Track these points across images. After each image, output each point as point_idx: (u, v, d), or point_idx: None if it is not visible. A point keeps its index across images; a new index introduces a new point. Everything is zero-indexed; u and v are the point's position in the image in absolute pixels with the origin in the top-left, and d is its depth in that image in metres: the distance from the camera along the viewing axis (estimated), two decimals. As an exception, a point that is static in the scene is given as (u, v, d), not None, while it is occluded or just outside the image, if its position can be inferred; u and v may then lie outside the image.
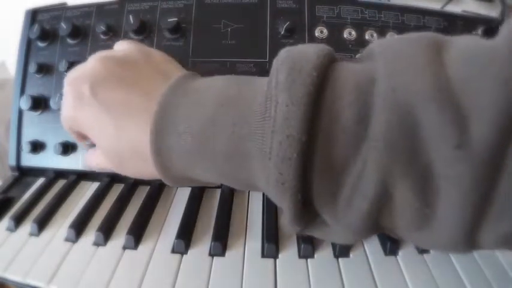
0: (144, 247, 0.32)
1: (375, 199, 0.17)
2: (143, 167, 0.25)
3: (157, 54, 0.30)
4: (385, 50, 0.18)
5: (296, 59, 0.18)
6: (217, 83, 0.23)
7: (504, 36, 0.15)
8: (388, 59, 0.17)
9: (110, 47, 0.41)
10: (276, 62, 0.20)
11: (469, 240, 0.17)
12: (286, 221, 0.21)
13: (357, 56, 0.22)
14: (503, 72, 0.14)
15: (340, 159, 0.17)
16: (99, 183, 0.41)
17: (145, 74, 0.26)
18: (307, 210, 0.20)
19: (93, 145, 0.30)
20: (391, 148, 0.16)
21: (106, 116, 0.24)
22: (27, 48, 0.43)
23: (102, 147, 0.26)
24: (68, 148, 0.40)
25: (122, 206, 0.37)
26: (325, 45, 0.20)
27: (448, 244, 0.18)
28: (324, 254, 0.31)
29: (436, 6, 0.60)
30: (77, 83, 0.26)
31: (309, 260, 0.31)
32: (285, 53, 0.20)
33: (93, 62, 0.27)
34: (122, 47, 0.31)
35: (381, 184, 0.16)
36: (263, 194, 0.38)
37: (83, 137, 0.30)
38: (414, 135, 0.16)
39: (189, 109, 0.22)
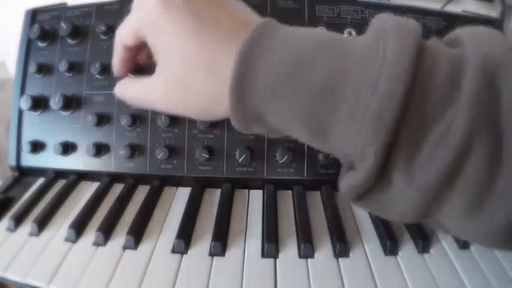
0: (144, 247, 0.32)
1: (457, 153, 0.18)
2: (213, 92, 0.23)
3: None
4: (471, 32, 0.21)
5: (400, 19, 0.21)
6: (312, 29, 0.23)
7: None
8: (476, 38, 0.20)
9: (110, 47, 0.41)
10: (378, 18, 0.21)
11: None
12: (355, 180, 0.21)
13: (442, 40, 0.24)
14: None
15: (431, 113, 0.18)
16: (99, 183, 0.41)
17: (236, 5, 0.26)
18: (381, 171, 0.20)
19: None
20: (478, 108, 0.17)
21: (192, 23, 0.23)
22: (27, 48, 0.43)
23: (172, 57, 0.24)
24: (68, 148, 0.40)
25: (122, 206, 0.37)
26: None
27: (498, 232, 0.18)
28: (324, 254, 0.31)
29: (436, 6, 0.60)
30: None
31: (309, 260, 0.31)
32: (385, 14, 0.22)
33: None
34: None
35: (463, 142, 0.17)
36: (263, 194, 0.39)
37: (130, 59, 0.30)
38: (496, 100, 0.17)
39: (285, 40, 0.21)
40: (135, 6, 0.27)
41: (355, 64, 0.19)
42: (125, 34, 0.28)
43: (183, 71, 0.24)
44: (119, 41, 0.29)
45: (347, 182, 0.22)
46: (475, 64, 0.18)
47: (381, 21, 0.21)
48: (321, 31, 0.22)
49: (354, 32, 0.40)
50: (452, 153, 0.18)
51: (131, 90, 0.29)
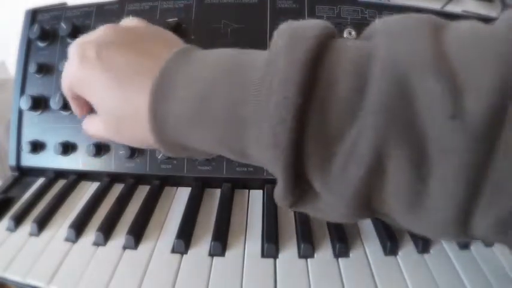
0: (144, 247, 0.32)
1: (369, 167, 0.17)
2: (140, 132, 0.24)
3: (165, 30, 0.30)
4: (386, 25, 0.19)
5: (297, 28, 0.19)
6: (220, 53, 0.23)
7: (503, 19, 0.16)
8: (388, 32, 0.18)
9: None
10: (277, 32, 0.20)
11: (461, 222, 0.17)
12: (278, 193, 0.21)
13: (360, 36, 0.22)
14: (501, 49, 0.15)
15: (335, 125, 0.17)
16: (99, 183, 0.41)
17: (152, 42, 0.26)
18: (300, 180, 0.19)
19: (89, 112, 0.31)
20: (387, 117, 0.16)
21: (109, 77, 0.24)
22: (27, 48, 0.43)
23: (101, 110, 0.26)
24: (68, 148, 0.40)
25: (122, 206, 0.37)
26: (328, 22, 0.20)
27: (439, 226, 0.18)
28: (324, 254, 0.31)
29: (436, 6, 0.60)
30: (83, 45, 0.26)
31: (309, 260, 0.31)
32: (285, 25, 0.20)
33: (102, 28, 0.27)
34: (130, 21, 0.31)
35: (376, 152, 0.16)
36: (263, 194, 0.39)
37: (81, 104, 0.30)
38: (410, 104, 0.16)
39: (190, 75, 0.22)
40: (66, 65, 0.29)
41: (250, 90, 0.19)
42: (64, 89, 0.30)
43: (114, 122, 0.26)
44: (65, 90, 0.31)
45: (276, 192, 0.22)
46: (382, 64, 0.16)
47: (277, 34, 0.20)
48: (230, 54, 0.22)
49: (353, 32, 0.40)
50: (364, 166, 0.17)
51: (92, 128, 0.30)
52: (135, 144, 0.27)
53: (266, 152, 0.19)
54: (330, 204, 0.20)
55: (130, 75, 0.24)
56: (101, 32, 0.27)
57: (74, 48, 0.26)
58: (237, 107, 0.19)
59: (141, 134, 0.25)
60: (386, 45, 0.17)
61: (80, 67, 0.25)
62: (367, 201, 0.19)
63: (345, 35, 0.39)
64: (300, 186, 0.20)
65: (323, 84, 0.17)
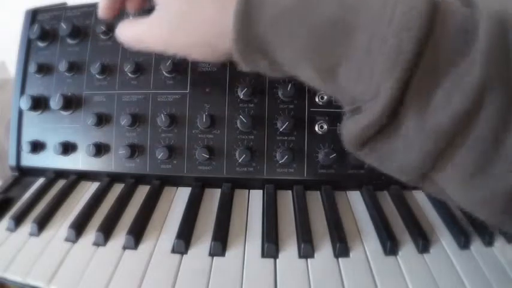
0: (144, 247, 0.32)
1: (472, 101, 0.17)
2: (217, 23, 0.22)
3: None
4: None
5: None
6: None
7: None
8: None
9: (110, 47, 0.41)
10: None
11: None
12: (356, 126, 0.20)
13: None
14: None
15: (447, 56, 0.18)
16: (99, 183, 0.41)
17: None
18: (394, 109, 0.19)
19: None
20: (491, 58, 0.17)
21: None
22: (27, 48, 0.43)
23: None
24: (68, 148, 0.40)
25: (122, 206, 0.37)
26: None
27: (496, 198, 0.18)
28: (324, 254, 0.31)
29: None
30: None
31: (309, 260, 0.31)
32: None
33: None
34: None
35: (480, 88, 0.17)
36: (263, 194, 0.39)
37: None
38: (508, 56, 0.17)
39: None
40: None
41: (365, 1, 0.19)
42: None
43: (183, 10, 0.23)
44: None
45: (353, 126, 0.21)
46: (488, 19, 0.18)
47: None
48: None
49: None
50: (468, 100, 0.17)
51: (129, 30, 0.28)
52: (199, 45, 0.25)
53: (378, 61, 0.18)
54: (408, 143, 0.19)
55: None
56: None
57: None
58: (351, 11, 0.19)
59: (218, 23, 0.22)
60: (487, 7, 0.18)
61: None
62: (443, 153, 0.19)
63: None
64: (396, 112, 0.19)
65: (441, 16, 0.18)
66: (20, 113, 0.42)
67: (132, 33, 0.28)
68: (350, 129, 0.21)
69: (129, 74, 0.40)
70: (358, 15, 0.19)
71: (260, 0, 0.20)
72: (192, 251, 0.32)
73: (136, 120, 0.39)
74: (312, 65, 0.21)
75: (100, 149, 0.40)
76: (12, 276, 0.30)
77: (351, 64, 0.19)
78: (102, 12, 0.31)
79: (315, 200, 0.38)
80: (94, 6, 0.43)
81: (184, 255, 0.32)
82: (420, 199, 0.39)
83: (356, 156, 0.24)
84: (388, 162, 0.21)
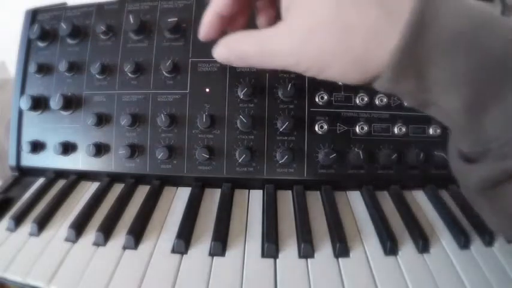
0: (144, 247, 0.32)
1: None
2: (374, 30, 0.19)
3: None
4: None
5: None
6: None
7: None
8: None
9: (110, 47, 0.41)
10: None
11: None
12: (487, 172, 0.20)
13: None
14: None
15: None
16: (99, 183, 0.41)
17: None
18: None
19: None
20: None
21: None
22: (27, 48, 0.43)
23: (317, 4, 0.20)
24: (68, 148, 0.40)
25: (122, 206, 0.37)
26: None
27: None
28: (324, 254, 0.31)
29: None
30: None
31: (309, 260, 0.31)
32: None
33: None
34: None
35: None
36: (263, 194, 0.39)
37: (230, 12, 0.26)
38: None
39: None
40: None
41: None
42: None
43: (334, 5, 0.20)
44: None
45: (486, 172, 0.20)
46: None
47: None
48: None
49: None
50: None
51: (248, 43, 0.24)
52: (344, 60, 0.21)
53: None
54: None
55: None
56: None
57: None
58: None
59: (376, 31, 0.19)
60: None
61: None
62: None
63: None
64: None
65: None
66: (20, 113, 0.42)
67: (248, 47, 0.24)
68: (486, 171, 0.20)
69: (129, 74, 0.40)
70: None
71: (435, 14, 0.19)
72: (192, 251, 0.32)
73: (136, 120, 0.39)
74: (465, 92, 0.19)
75: (100, 149, 0.40)
76: (12, 276, 0.30)
77: (505, 108, 0.18)
78: (204, 32, 0.28)
79: (315, 200, 0.38)
80: (94, 6, 0.43)
81: (184, 255, 0.32)
82: (420, 199, 0.39)
83: (470, 200, 0.24)
84: (503, 209, 0.21)
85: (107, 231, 0.34)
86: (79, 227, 0.34)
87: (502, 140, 0.19)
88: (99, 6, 0.43)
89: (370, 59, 0.20)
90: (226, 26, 0.28)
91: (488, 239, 0.33)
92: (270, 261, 0.31)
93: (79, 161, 0.41)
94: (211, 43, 0.41)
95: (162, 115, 0.38)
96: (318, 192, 0.39)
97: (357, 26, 0.20)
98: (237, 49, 0.25)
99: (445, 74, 0.19)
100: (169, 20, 0.38)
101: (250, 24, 0.30)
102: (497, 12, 0.40)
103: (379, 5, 0.19)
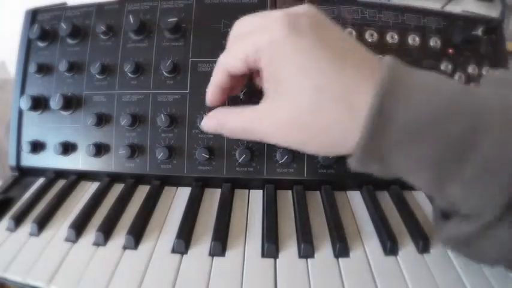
0: (144, 247, 0.32)
1: None
2: (339, 123, 0.22)
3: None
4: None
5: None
6: (440, 77, 0.22)
7: None
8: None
9: (110, 47, 0.41)
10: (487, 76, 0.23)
11: None
12: (455, 232, 0.24)
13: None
14: None
15: None
16: (99, 183, 0.41)
17: (354, 41, 0.25)
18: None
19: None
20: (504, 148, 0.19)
21: (322, 51, 0.22)
22: (27, 48, 0.43)
23: (295, 88, 0.23)
24: (68, 148, 0.40)
25: (122, 206, 0.37)
26: None
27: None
28: (324, 254, 0.31)
29: (436, 6, 0.60)
30: (294, 14, 0.24)
31: (309, 260, 0.31)
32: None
33: (305, 7, 0.25)
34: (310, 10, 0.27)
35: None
36: (263, 194, 0.39)
37: (227, 87, 0.29)
38: None
39: (422, 87, 0.21)
40: (250, 31, 0.26)
41: (490, 121, 0.20)
42: (233, 59, 0.26)
43: (313, 102, 0.22)
44: (222, 66, 0.28)
45: (451, 231, 0.24)
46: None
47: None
48: (446, 79, 0.22)
49: (354, 32, 0.40)
50: None
51: (233, 120, 0.28)
52: (318, 146, 0.24)
53: (493, 183, 0.20)
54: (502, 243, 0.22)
55: (345, 57, 0.22)
56: (306, 8, 0.25)
57: (281, 15, 0.24)
58: (474, 132, 0.20)
59: (342, 130, 0.22)
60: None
61: (287, 35, 0.23)
62: None
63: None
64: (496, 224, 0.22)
65: None
66: (20, 113, 0.42)
67: (234, 124, 0.27)
68: (449, 233, 0.25)
69: (129, 74, 0.40)
70: (483, 137, 0.20)
71: (390, 115, 0.20)
72: (192, 251, 0.32)
73: (136, 120, 0.39)
74: (426, 176, 0.22)
75: (100, 149, 0.40)
76: (12, 276, 0.30)
77: (462, 182, 0.21)
78: (209, 101, 0.32)
79: (315, 200, 0.38)
80: (94, 6, 0.43)
81: (184, 255, 0.32)
82: (420, 199, 0.39)
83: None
84: (478, 256, 0.25)
85: (107, 231, 0.34)
86: (79, 227, 0.34)
87: (464, 204, 0.22)
88: (99, 6, 0.43)
89: (339, 149, 0.23)
90: (228, 93, 0.31)
91: (488, 239, 0.33)
92: (270, 261, 0.31)
93: (79, 161, 0.41)
94: (211, 44, 0.41)
95: (162, 115, 0.38)
96: (318, 192, 0.39)
97: (326, 125, 0.23)
98: (227, 125, 0.28)
99: (404, 162, 0.22)
100: (169, 20, 0.38)
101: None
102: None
103: (344, 105, 0.22)
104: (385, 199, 0.38)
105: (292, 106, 0.23)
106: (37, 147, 0.41)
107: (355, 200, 0.38)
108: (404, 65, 0.22)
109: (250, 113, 0.26)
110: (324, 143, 0.24)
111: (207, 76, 0.39)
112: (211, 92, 0.31)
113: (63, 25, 0.40)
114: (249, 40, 0.25)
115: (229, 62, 0.27)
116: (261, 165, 0.38)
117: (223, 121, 0.29)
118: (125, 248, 0.32)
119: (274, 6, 0.40)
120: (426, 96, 0.20)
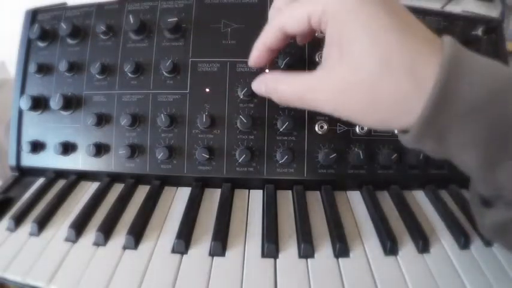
0: (144, 247, 0.32)
1: None
2: (403, 94, 0.22)
3: None
4: None
5: None
6: (496, 62, 0.22)
7: None
8: None
9: (110, 47, 0.41)
10: None
11: None
12: (501, 217, 0.23)
13: None
14: None
15: None
16: (99, 183, 0.41)
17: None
18: None
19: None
20: None
21: (392, 21, 0.22)
22: (27, 48, 0.43)
23: (361, 52, 0.23)
24: (68, 148, 0.40)
25: (122, 206, 0.37)
26: None
27: None
28: (324, 254, 0.31)
29: (436, 6, 0.60)
30: None
31: (309, 260, 0.31)
32: None
33: None
34: None
35: None
36: (263, 194, 0.39)
37: (281, 45, 0.29)
38: None
39: (483, 65, 0.21)
40: None
41: None
42: (294, 19, 0.26)
43: (378, 69, 0.22)
44: (279, 25, 0.27)
45: (496, 217, 0.24)
46: None
47: None
48: (502, 65, 0.22)
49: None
50: None
51: (286, 87, 0.27)
52: (376, 116, 0.24)
53: None
54: None
55: (413, 30, 0.23)
56: None
57: None
58: None
59: (406, 99, 0.22)
60: None
61: (359, 2, 0.23)
62: None
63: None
64: None
65: None
66: (20, 113, 0.42)
67: (289, 88, 0.27)
68: (495, 216, 0.24)
69: (129, 74, 0.40)
70: None
71: (456, 88, 0.21)
72: (192, 251, 0.32)
73: (137, 120, 0.39)
74: (480, 155, 0.22)
75: (100, 149, 0.40)
76: (12, 276, 0.30)
77: None
78: (254, 62, 0.31)
79: (315, 200, 0.38)
80: (94, 6, 0.43)
81: (184, 255, 0.32)
82: (420, 199, 0.39)
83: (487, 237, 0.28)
84: None
85: (107, 231, 0.34)
86: (79, 227, 0.34)
87: (505, 191, 0.22)
88: (99, 6, 0.43)
89: (394, 122, 0.23)
90: (275, 55, 0.31)
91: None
92: (270, 261, 0.31)
93: (79, 161, 0.41)
94: (211, 44, 0.41)
95: (162, 115, 0.38)
96: (318, 192, 0.39)
97: (388, 95, 0.22)
98: (276, 91, 0.28)
99: (461, 139, 0.22)
100: (169, 20, 0.38)
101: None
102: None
103: (409, 75, 0.22)
104: (385, 199, 0.38)
105: (356, 71, 0.23)
106: (37, 147, 0.41)
107: (355, 200, 0.38)
108: (462, 46, 0.22)
109: (306, 79, 0.26)
110: (380, 115, 0.24)
111: (207, 76, 0.39)
112: (259, 52, 0.30)
113: (63, 25, 0.40)
114: (317, 2, 0.24)
115: (288, 21, 0.26)
116: (261, 165, 0.38)
117: (275, 87, 0.28)
118: (124, 248, 0.32)
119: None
120: (486, 76, 0.21)
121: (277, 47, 0.30)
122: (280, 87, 0.28)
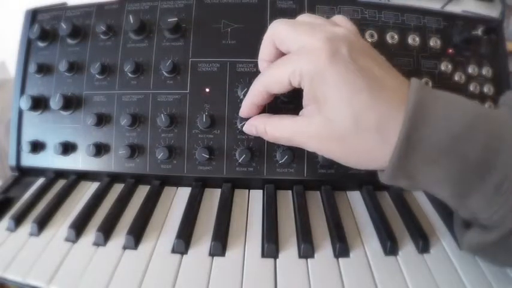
0: (144, 247, 0.32)
1: None
2: (372, 148, 0.25)
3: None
4: None
5: None
6: (463, 99, 0.25)
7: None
8: None
9: (110, 47, 0.41)
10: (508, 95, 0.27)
11: None
12: (476, 240, 0.26)
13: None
14: None
15: None
16: (99, 183, 0.41)
17: (380, 59, 0.28)
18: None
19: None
20: None
21: (361, 81, 0.25)
22: (27, 48, 0.43)
23: (334, 111, 0.26)
24: (68, 148, 0.40)
25: (122, 206, 0.37)
26: None
27: None
28: (324, 254, 0.31)
29: (436, 6, 0.60)
30: (335, 41, 0.26)
31: (309, 260, 0.31)
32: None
33: (344, 31, 0.27)
34: (347, 25, 0.29)
35: None
36: (263, 194, 0.39)
37: (266, 101, 0.32)
38: None
39: (447, 111, 0.23)
40: (295, 54, 0.28)
41: (507, 141, 0.22)
42: (276, 82, 0.29)
43: (350, 128, 0.25)
44: (263, 88, 0.30)
45: (472, 239, 0.27)
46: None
47: None
48: (468, 101, 0.25)
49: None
50: None
51: (275, 128, 0.30)
52: (352, 163, 0.28)
53: (508, 200, 0.22)
54: None
55: (382, 86, 0.25)
56: (345, 33, 0.27)
57: (323, 43, 0.26)
58: (491, 153, 0.23)
59: (375, 154, 0.25)
60: None
61: (329, 62, 0.25)
62: None
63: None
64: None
65: None
66: (20, 113, 0.42)
67: (281, 131, 0.30)
68: (470, 241, 0.27)
69: (129, 74, 0.40)
70: (498, 158, 0.22)
71: (418, 139, 0.23)
72: (192, 251, 0.32)
73: (136, 120, 0.39)
74: (449, 191, 0.25)
75: (100, 149, 0.40)
76: (12, 276, 0.30)
77: (482, 196, 0.23)
78: (245, 115, 0.34)
79: (315, 200, 0.38)
80: (94, 6, 0.43)
81: (184, 255, 0.32)
82: (420, 199, 0.39)
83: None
84: (498, 259, 0.28)
85: (107, 231, 0.34)
86: (79, 227, 0.34)
87: (484, 215, 0.24)
88: (99, 6, 0.43)
89: (372, 166, 0.27)
90: (262, 108, 0.34)
91: (488, 239, 0.33)
92: (270, 261, 0.31)
93: (79, 161, 0.41)
94: (211, 44, 0.41)
95: (162, 115, 0.38)
96: (318, 192, 0.39)
97: (361, 147, 0.26)
98: (265, 132, 0.31)
99: (430, 178, 0.25)
100: (169, 20, 0.38)
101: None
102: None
103: (376, 133, 0.25)
104: (385, 199, 0.38)
105: (332, 125, 0.26)
106: (37, 147, 0.41)
107: (355, 200, 0.38)
108: (429, 89, 0.25)
109: (292, 124, 0.29)
110: (358, 159, 0.27)
111: (207, 76, 0.39)
112: (249, 109, 0.33)
113: (63, 25, 0.40)
114: (293, 65, 0.27)
115: (270, 84, 0.29)
116: (261, 165, 0.38)
117: (264, 130, 0.31)
118: (124, 248, 0.32)
119: (274, 5, 0.40)
120: (449, 120, 0.23)
121: (264, 103, 0.33)
122: (269, 130, 0.31)
